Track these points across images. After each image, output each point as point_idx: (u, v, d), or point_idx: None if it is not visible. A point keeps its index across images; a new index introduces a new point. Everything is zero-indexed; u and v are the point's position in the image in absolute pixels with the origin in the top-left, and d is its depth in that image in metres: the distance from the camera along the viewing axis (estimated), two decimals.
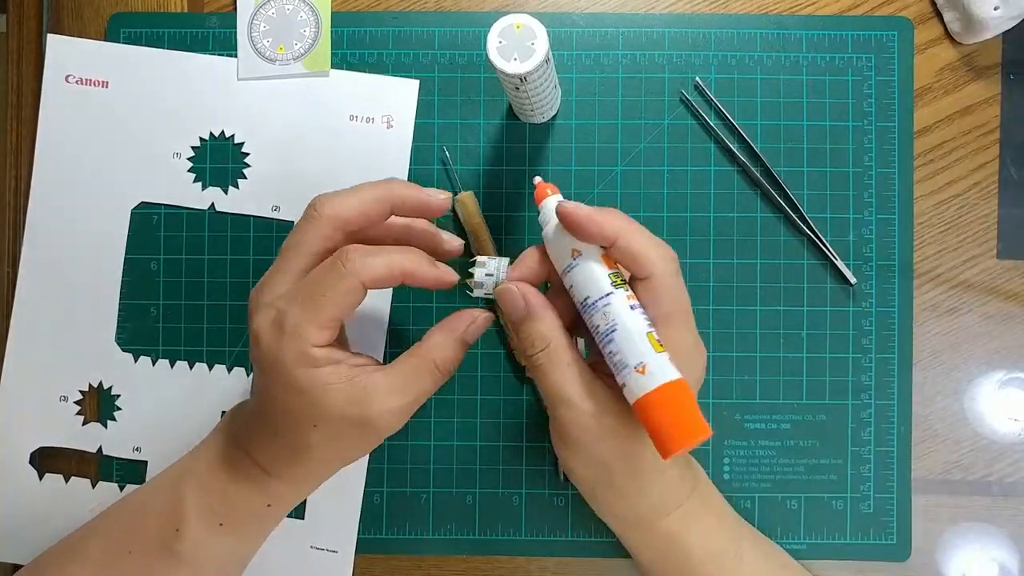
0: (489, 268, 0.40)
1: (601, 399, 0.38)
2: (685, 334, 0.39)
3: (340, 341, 0.41)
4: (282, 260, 0.39)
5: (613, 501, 0.41)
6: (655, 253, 0.38)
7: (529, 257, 0.40)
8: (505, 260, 0.41)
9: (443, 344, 0.40)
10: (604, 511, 0.42)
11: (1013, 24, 0.48)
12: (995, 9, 0.47)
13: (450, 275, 0.40)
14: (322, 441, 0.39)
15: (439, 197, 0.41)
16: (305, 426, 0.38)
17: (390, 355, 0.50)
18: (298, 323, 0.37)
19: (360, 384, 0.38)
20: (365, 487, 0.50)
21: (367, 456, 0.50)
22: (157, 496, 0.43)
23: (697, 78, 0.50)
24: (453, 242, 0.44)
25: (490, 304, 0.50)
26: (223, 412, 0.50)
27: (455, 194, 0.50)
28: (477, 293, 0.40)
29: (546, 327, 0.38)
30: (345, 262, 0.37)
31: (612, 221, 0.37)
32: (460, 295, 0.50)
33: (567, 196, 0.50)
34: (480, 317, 0.41)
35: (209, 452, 0.43)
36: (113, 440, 0.50)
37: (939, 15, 0.51)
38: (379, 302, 0.50)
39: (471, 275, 0.40)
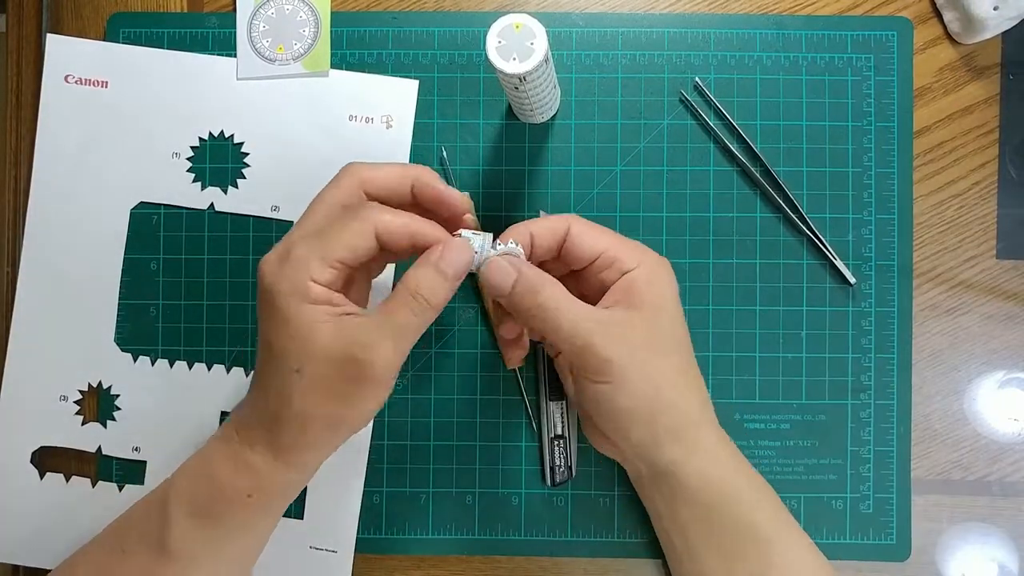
0: (475, 244, 0.40)
1: (614, 316, 0.40)
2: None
3: (355, 296, 0.42)
4: (305, 215, 0.40)
5: (663, 417, 0.41)
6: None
7: (514, 232, 0.41)
8: (489, 236, 0.41)
9: (420, 272, 0.38)
10: (655, 440, 0.41)
11: (1012, 24, 0.48)
12: (994, 9, 0.47)
13: (459, 239, 0.40)
14: (302, 390, 0.37)
15: (456, 194, 0.41)
16: (288, 372, 0.37)
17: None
18: (302, 254, 0.37)
19: (345, 322, 0.37)
20: (364, 487, 0.50)
21: (366, 456, 0.50)
22: (153, 493, 0.43)
23: (696, 78, 0.50)
24: (457, 193, 0.42)
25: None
26: (223, 412, 0.50)
27: None
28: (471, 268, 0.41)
29: (542, 275, 0.40)
30: (360, 208, 0.38)
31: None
32: (461, 294, 0.50)
33: (566, 196, 0.50)
34: (450, 241, 0.39)
35: (204, 448, 0.42)
36: (112, 440, 0.50)
37: (939, 15, 0.51)
38: (379, 292, 0.50)
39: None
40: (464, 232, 0.40)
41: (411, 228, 0.39)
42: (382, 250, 0.39)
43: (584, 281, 0.43)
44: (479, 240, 0.40)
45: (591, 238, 0.41)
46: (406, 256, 0.41)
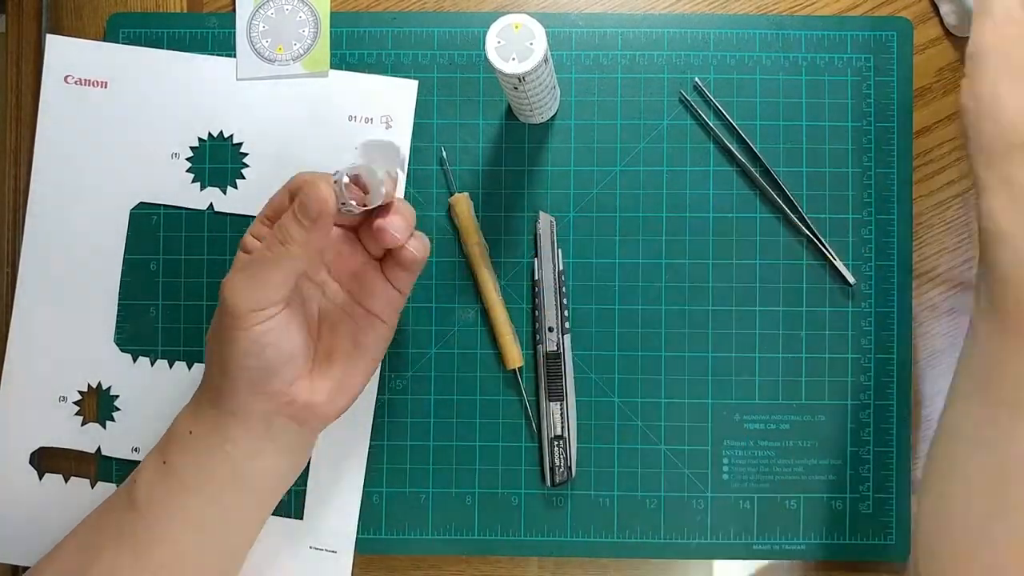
0: (341, 175, 0.39)
1: None
2: None
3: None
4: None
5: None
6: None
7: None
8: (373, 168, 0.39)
9: (282, 218, 0.39)
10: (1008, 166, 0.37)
11: None
12: None
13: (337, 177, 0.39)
14: (210, 336, 0.40)
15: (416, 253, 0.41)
16: (215, 338, 0.40)
17: (389, 355, 0.50)
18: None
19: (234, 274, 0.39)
20: (364, 487, 0.50)
21: (366, 456, 0.50)
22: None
23: (696, 78, 0.50)
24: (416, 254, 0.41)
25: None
26: None
27: (450, 195, 0.50)
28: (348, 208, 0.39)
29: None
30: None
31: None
32: (461, 294, 0.50)
33: (566, 196, 0.50)
34: (309, 187, 0.38)
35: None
36: (112, 440, 0.50)
37: (938, 12, 0.50)
38: None
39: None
40: (343, 169, 0.39)
41: (297, 186, 0.40)
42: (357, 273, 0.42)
43: None
44: (353, 173, 0.39)
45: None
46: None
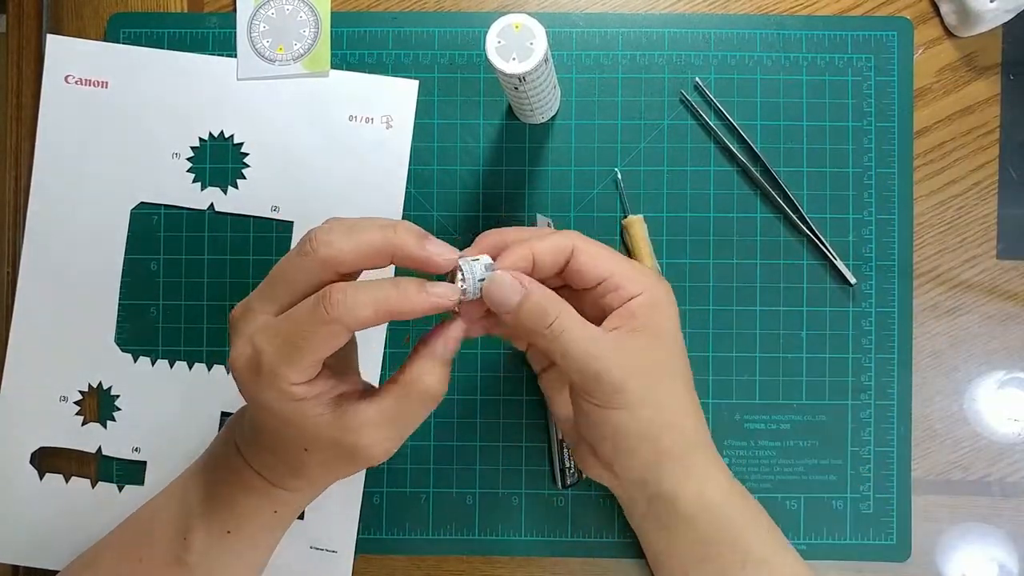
0: (476, 271, 0.38)
1: (621, 341, 0.39)
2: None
3: (337, 357, 0.39)
4: (268, 287, 0.37)
5: (665, 439, 0.41)
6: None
7: (516, 254, 0.39)
8: (485, 259, 0.39)
9: (427, 370, 0.37)
10: (658, 462, 0.41)
11: (1010, 17, 0.48)
12: (991, 1, 0.47)
13: (446, 299, 0.37)
14: (316, 461, 0.38)
15: (445, 256, 0.37)
16: (297, 449, 0.38)
17: (388, 357, 0.50)
18: (274, 366, 0.35)
19: (347, 418, 0.37)
20: (365, 487, 0.50)
21: None
22: (166, 506, 0.43)
23: (697, 78, 0.50)
24: (445, 254, 0.38)
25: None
26: (222, 413, 0.50)
27: (624, 216, 0.50)
28: (468, 297, 0.38)
29: (549, 298, 0.38)
30: (329, 307, 0.34)
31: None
32: None
33: (566, 196, 0.50)
34: (452, 333, 0.38)
35: (215, 461, 0.42)
36: (112, 440, 0.50)
37: (938, 12, 0.51)
38: None
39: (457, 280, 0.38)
40: (462, 262, 0.38)
41: (385, 310, 0.35)
42: None
43: (581, 299, 0.42)
44: (472, 271, 0.38)
45: (596, 262, 0.40)
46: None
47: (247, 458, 0.40)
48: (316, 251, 0.36)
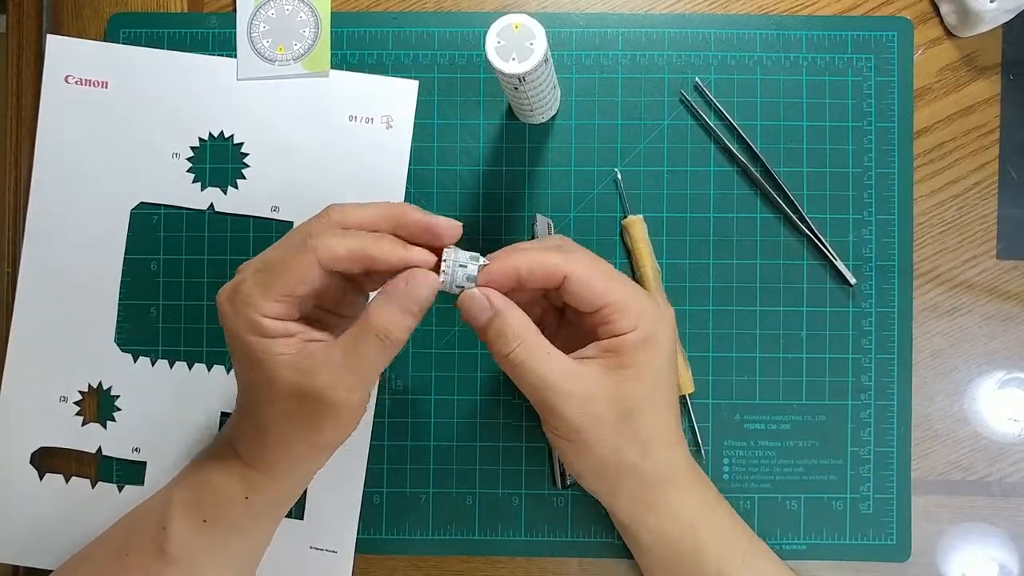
0: (461, 259, 0.38)
1: (586, 378, 0.39)
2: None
3: (348, 311, 0.41)
4: (266, 268, 0.38)
5: (623, 480, 0.41)
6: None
7: (498, 268, 0.39)
8: (480, 257, 0.39)
9: (383, 310, 0.37)
10: (614, 497, 0.42)
11: (1009, 17, 0.48)
12: (991, 2, 0.47)
13: (419, 259, 0.37)
14: (277, 419, 0.38)
15: (443, 224, 0.38)
16: (262, 403, 0.38)
17: None
18: (250, 292, 0.37)
19: (305, 354, 0.37)
20: (365, 487, 0.50)
21: (366, 456, 0.50)
22: (153, 502, 0.44)
23: (697, 78, 0.50)
24: (452, 229, 0.38)
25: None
26: (222, 413, 0.50)
27: (624, 216, 0.50)
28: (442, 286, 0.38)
29: (516, 322, 0.38)
30: (307, 237, 0.37)
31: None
32: None
33: (566, 196, 0.50)
34: (416, 275, 0.37)
35: (204, 453, 0.43)
36: (112, 440, 0.50)
37: (938, 12, 0.50)
38: None
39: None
40: (448, 248, 0.38)
41: (362, 253, 0.37)
42: (345, 276, 0.39)
43: (570, 317, 0.42)
44: (456, 257, 0.38)
45: (590, 292, 0.38)
46: (377, 285, 0.41)
47: (231, 440, 0.41)
48: (327, 211, 0.38)
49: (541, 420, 0.41)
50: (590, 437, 0.39)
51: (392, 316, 0.37)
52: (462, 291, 0.39)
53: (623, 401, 0.39)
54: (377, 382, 0.41)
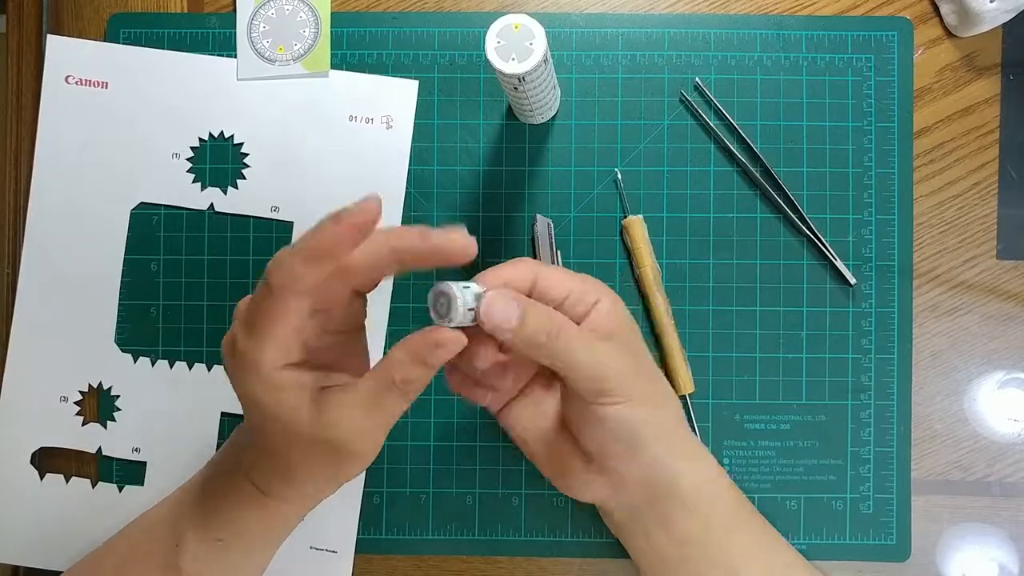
0: (468, 300, 0.35)
1: (611, 346, 0.41)
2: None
3: (335, 351, 0.38)
4: (248, 323, 0.35)
5: (674, 426, 0.44)
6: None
7: (492, 277, 0.38)
8: (476, 287, 0.37)
9: (404, 363, 0.35)
10: (663, 448, 0.42)
11: (1009, 17, 0.48)
12: (991, 1, 0.47)
13: (369, 214, 0.32)
14: (301, 461, 0.37)
15: (463, 240, 0.35)
16: (283, 447, 0.37)
17: None
18: (244, 349, 0.34)
19: (324, 407, 0.36)
20: (365, 487, 0.50)
21: None
22: (164, 513, 0.43)
23: (697, 78, 0.50)
24: (463, 241, 0.35)
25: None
26: (222, 413, 0.50)
27: (624, 216, 0.50)
28: (455, 324, 0.35)
29: (545, 310, 0.38)
30: (270, 276, 0.33)
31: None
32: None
33: (566, 196, 0.50)
34: (447, 342, 0.35)
35: (215, 468, 0.42)
36: (112, 440, 0.50)
37: (938, 12, 0.50)
38: (377, 304, 0.50)
39: (440, 309, 0.35)
40: (449, 285, 0.35)
41: (315, 251, 0.33)
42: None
43: None
44: (471, 294, 0.36)
45: (559, 281, 0.40)
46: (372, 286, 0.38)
47: (245, 469, 0.40)
48: (285, 289, 0.34)
49: (584, 403, 0.40)
50: (635, 393, 0.40)
51: (412, 371, 0.35)
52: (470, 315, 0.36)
53: (636, 360, 0.42)
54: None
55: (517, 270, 0.40)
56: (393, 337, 0.50)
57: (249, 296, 0.35)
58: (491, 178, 0.51)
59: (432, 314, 0.36)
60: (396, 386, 0.35)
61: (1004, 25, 0.50)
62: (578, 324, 0.40)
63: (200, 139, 0.51)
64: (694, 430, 0.49)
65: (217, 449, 0.48)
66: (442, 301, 0.35)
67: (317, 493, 0.41)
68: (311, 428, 0.36)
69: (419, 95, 0.51)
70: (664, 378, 0.45)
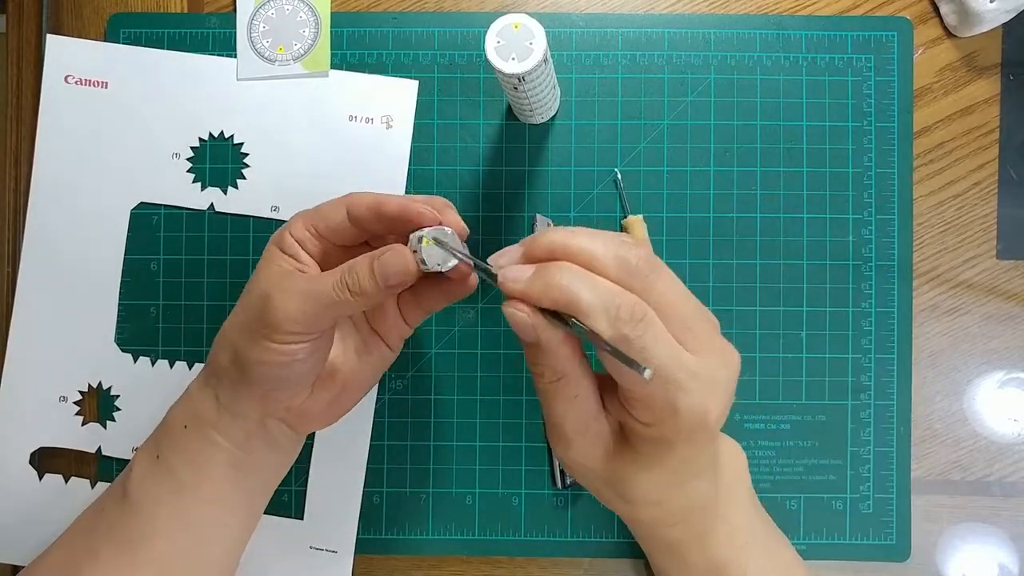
0: (426, 249, 0.37)
1: (596, 436, 0.36)
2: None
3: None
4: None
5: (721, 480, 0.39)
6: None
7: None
8: (447, 230, 0.38)
9: (359, 261, 0.37)
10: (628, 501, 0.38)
11: (1009, 17, 0.48)
12: (991, 1, 0.47)
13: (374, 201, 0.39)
14: (235, 318, 0.40)
15: (409, 203, 0.37)
16: (238, 304, 0.40)
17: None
18: (292, 218, 0.40)
19: (285, 270, 0.38)
20: (364, 487, 0.50)
21: (366, 456, 0.50)
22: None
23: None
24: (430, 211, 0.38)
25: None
26: None
27: (624, 216, 0.50)
28: (430, 269, 0.37)
29: (560, 362, 0.34)
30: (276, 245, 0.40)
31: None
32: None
33: (566, 196, 0.50)
34: (392, 247, 0.37)
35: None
36: (112, 440, 0.50)
37: (938, 12, 0.51)
38: None
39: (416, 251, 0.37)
40: (419, 232, 0.37)
41: (374, 200, 0.38)
42: (362, 228, 0.39)
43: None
44: (438, 234, 0.37)
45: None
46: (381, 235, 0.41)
47: (206, 369, 0.41)
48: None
49: (635, 419, 0.35)
50: (712, 432, 0.35)
51: (362, 267, 0.37)
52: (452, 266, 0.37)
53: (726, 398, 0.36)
54: (331, 344, 0.40)
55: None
56: None
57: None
58: (491, 178, 0.51)
59: (425, 257, 0.37)
60: (342, 274, 0.37)
61: (1004, 25, 0.50)
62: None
63: (200, 139, 0.51)
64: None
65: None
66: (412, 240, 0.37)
67: (226, 384, 0.40)
68: (265, 280, 0.38)
69: (419, 95, 0.51)
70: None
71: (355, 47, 0.51)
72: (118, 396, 0.51)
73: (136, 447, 0.50)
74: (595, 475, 0.38)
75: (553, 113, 0.50)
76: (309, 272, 0.39)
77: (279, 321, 0.37)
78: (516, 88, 0.43)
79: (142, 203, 0.51)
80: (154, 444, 0.42)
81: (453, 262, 0.37)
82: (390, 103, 0.51)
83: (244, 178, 0.51)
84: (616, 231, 0.50)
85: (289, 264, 0.39)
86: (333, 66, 0.51)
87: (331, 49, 0.51)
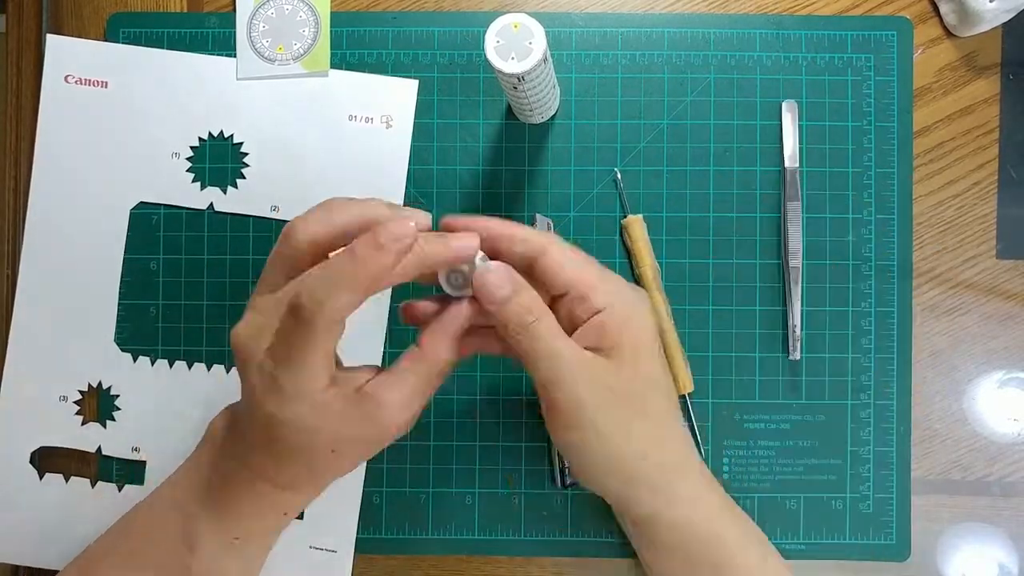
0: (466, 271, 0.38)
1: (592, 362, 0.38)
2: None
3: None
4: (259, 280, 0.38)
5: (640, 469, 0.40)
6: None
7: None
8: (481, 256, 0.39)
9: (446, 348, 0.39)
10: (630, 488, 0.41)
11: (1009, 16, 0.48)
12: (991, 1, 0.47)
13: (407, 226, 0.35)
14: (341, 457, 0.39)
15: (419, 216, 0.37)
16: (323, 451, 0.38)
17: (389, 356, 0.50)
18: (285, 382, 0.36)
19: (370, 404, 0.37)
20: (364, 487, 0.50)
21: None
22: (164, 516, 0.42)
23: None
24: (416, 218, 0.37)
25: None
26: None
27: (624, 216, 0.50)
28: (458, 293, 0.39)
29: (534, 297, 0.38)
30: (302, 309, 0.34)
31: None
32: None
33: (566, 196, 0.50)
34: (465, 313, 0.39)
35: (211, 471, 0.41)
36: (112, 440, 0.50)
37: (938, 12, 0.51)
38: (377, 303, 0.50)
39: (454, 282, 0.39)
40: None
41: (365, 284, 0.35)
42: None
43: (556, 310, 0.40)
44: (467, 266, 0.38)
45: (562, 267, 0.38)
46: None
47: (255, 468, 0.39)
48: (296, 238, 0.36)
49: (548, 417, 0.40)
50: (601, 426, 0.38)
51: (453, 353, 0.39)
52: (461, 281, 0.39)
53: (628, 386, 0.39)
54: None
55: (523, 236, 0.38)
56: (393, 335, 0.50)
57: (269, 294, 0.37)
58: (491, 178, 0.51)
59: (444, 286, 0.39)
60: (441, 372, 0.39)
61: (1004, 25, 0.50)
62: (579, 324, 0.39)
63: (200, 139, 0.51)
64: (693, 431, 0.49)
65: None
66: (455, 276, 0.39)
67: (334, 478, 0.41)
68: (356, 428, 0.37)
69: (419, 95, 0.51)
70: (672, 412, 0.41)
71: (355, 47, 0.51)
72: (118, 396, 0.51)
73: (136, 446, 0.50)
74: (614, 409, 0.39)
75: (553, 113, 0.50)
76: (366, 379, 0.38)
77: (400, 435, 0.39)
78: (516, 88, 0.43)
79: (142, 203, 0.51)
80: (225, 525, 0.40)
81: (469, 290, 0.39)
82: (390, 103, 0.51)
83: (244, 178, 0.51)
84: (616, 231, 0.50)
85: (346, 400, 0.37)
86: (333, 66, 0.51)
87: (331, 49, 0.51)
